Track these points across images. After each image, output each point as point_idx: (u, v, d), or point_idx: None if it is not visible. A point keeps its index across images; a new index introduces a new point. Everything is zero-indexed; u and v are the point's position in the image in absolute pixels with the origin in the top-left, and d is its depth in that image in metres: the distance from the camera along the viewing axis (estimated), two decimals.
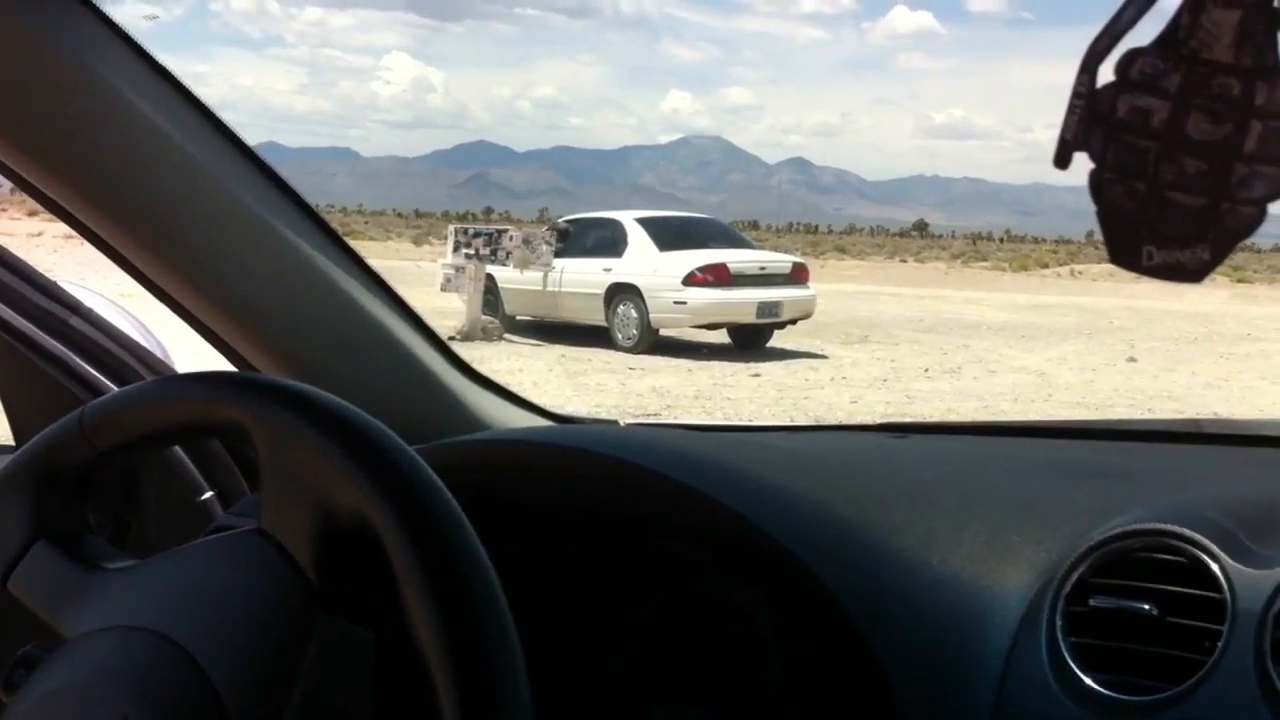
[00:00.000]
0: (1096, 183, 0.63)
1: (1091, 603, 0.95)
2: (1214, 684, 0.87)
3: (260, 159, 1.19)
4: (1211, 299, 23.30)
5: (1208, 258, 0.63)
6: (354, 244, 1.33)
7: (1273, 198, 0.61)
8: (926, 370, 12.16)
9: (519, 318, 14.96)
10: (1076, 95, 0.62)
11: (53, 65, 1.04)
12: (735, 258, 13.83)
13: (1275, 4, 0.59)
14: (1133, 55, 0.61)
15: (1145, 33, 0.61)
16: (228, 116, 1.14)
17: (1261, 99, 0.60)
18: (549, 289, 14.37)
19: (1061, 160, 0.63)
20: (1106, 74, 0.62)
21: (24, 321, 1.41)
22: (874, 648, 0.98)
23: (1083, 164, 0.63)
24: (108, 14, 1.06)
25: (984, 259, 49.00)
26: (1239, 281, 30.73)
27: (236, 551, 0.82)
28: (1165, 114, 0.61)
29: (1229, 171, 0.61)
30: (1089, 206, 0.64)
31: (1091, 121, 0.62)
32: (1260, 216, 0.61)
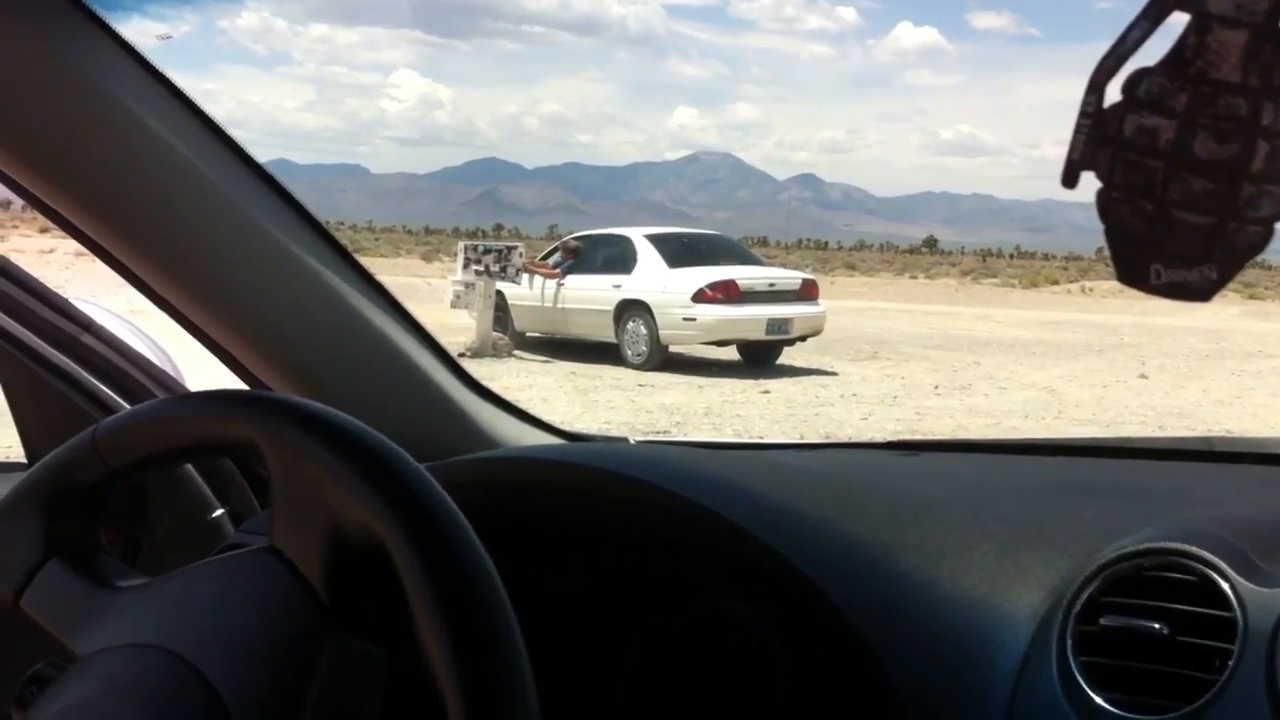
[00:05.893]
0: (1104, 202, 0.63)
1: (1102, 622, 0.94)
2: (1225, 703, 0.86)
3: (270, 175, 1.19)
4: (1222, 315, 23.23)
5: (1215, 277, 0.63)
6: (364, 261, 1.33)
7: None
8: (937, 387, 12.13)
9: (529, 334, 14.97)
10: (1084, 115, 0.62)
11: (62, 82, 1.04)
12: (745, 274, 13.82)
13: None
14: (1140, 75, 0.62)
15: (1152, 53, 0.61)
16: (237, 133, 1.14)
17: (1268, 118, 0.60)
18: (559, 305, 14.37)
19: (1069, 180, 0.63)
20: (1114, 94, 0.62)
21: (36, 339, 1.41)
22: (883, 666, 0.98)
23: (1092, 182, 0.64)
24: (118, 31, 1.06)
25: (994, 275, 48.96)
26: (1250, 298, 30.65)
27: (247, 570, 0.82)
28: (1172, 133, 0.61)
29: (1236, 191, 0.61)
30: (1099, 223, 0.64)
31: (1099, 141, 0.62)
32: (1268, 235, 0.61)
